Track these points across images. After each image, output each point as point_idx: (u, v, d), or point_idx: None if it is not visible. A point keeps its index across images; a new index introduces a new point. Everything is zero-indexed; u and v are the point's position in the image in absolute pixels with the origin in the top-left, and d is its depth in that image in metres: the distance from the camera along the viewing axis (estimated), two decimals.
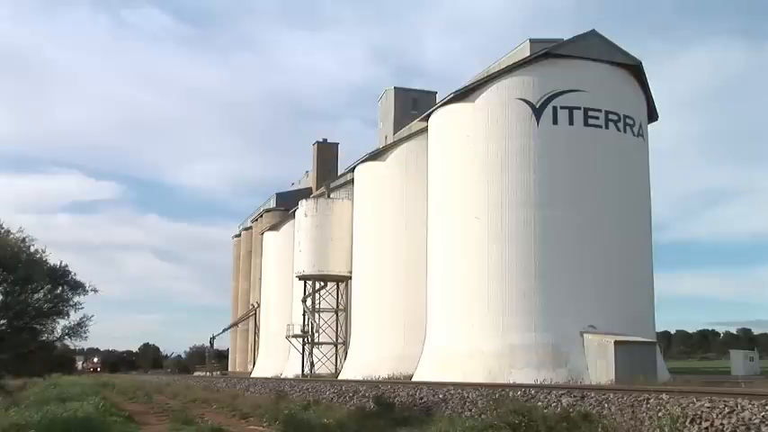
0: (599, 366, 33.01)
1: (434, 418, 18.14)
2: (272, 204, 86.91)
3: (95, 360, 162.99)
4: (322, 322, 56.22)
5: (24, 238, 20.30)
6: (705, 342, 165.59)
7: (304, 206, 56.96)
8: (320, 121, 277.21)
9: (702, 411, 13.05)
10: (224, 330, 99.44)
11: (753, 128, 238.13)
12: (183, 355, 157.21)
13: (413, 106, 59.35)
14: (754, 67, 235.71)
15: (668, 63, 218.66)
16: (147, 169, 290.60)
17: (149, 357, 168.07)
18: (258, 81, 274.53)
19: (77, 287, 21.51)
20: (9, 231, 20.11)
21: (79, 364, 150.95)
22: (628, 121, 39.03)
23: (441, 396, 21.61)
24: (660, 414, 13.81)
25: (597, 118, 37.97)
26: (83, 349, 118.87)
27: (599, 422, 14.64)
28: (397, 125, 59.31)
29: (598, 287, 36.22)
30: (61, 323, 21.41)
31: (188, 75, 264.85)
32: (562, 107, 37.65)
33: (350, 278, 53.81)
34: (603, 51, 39.08)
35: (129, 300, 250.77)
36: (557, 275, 36.12)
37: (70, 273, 21.63)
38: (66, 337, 21.65)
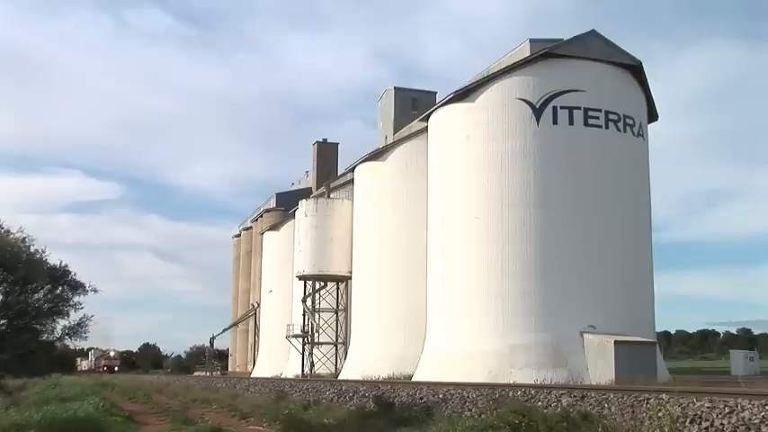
0: (599, 366, 33.02)
1: (434, 418, 18.11)
2: (272, 204, 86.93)
3: (111, 354, 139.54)
4: (322, 322, 56.20)
5: (24, 238, 20.26)
6: (705, 342, 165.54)
7: (304, 206, 56.94)
8: (320, 121, 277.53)
9: (702, 411, 13.04)
10: (224, 330, 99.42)
11: (753, 128, 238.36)
12: (183, 355, 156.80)
13: (413, 106, 59.32)
14: (753, 68, 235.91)
15: (668, 63, 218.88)
16: (148, 169, 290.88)
17: (149, 357, 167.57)
18: (259, 81, 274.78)
19: (77, 287, 21.48)
20: (9, 231, 20.08)
21: (90, 361, 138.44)
22: (628, 121, 39.04)
23: (441, 396, 21.60)
24: (660, 414, 13.80)
25: (597, 118, 37.99)
26: (82, 349, 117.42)
27: (599, 422, 14.62)
28: (397, 125, 59.29)
29: (598, 287, 36.23)
30: (61, 323, 21.40)
31: (189, 75, 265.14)
32: (562, 107, 37.66)
33: (350, 278, 53.79)
34: (603, 51, 39.10)
35: (129, 300, 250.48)
36: (557, 275, 36.13)
37: (70, 273, 21.62)
38: (66, 337, 21.63)
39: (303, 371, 55.48)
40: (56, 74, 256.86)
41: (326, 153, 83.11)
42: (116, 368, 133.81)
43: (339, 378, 45.20)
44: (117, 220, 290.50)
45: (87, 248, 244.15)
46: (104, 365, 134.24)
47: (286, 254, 64.94)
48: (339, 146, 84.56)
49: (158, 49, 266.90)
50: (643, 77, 40.93)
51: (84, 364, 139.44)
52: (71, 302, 21.31)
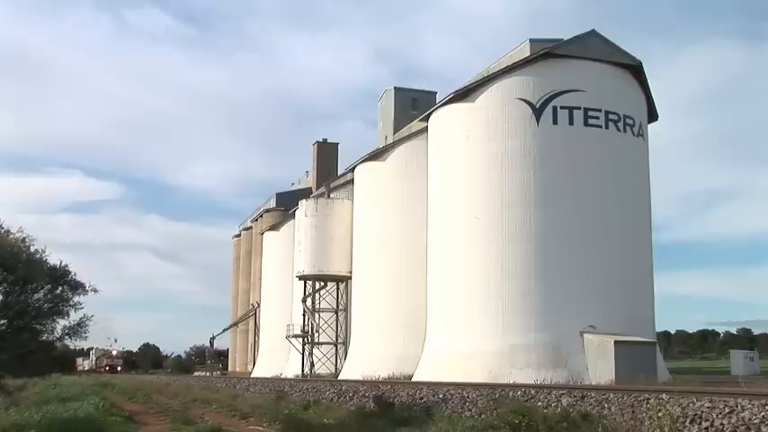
0: (599, 366, 33.02)
1: (434, 418, 18.11)
2: (272, 204, 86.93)
3: (114, 353, 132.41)
4: (322, 322, 56.20)
5: (24, 238, 20.22)
6: (705, 342, 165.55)
7: (304, 206, 56.94)
8: (320, 121, 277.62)
9: (702, 411, 13.03)
10: (224, 330, 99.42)
11: (753, 128, 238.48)
12: (182, 356, 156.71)
13: (413, 106, 59.32)
14: (753, 68, 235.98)
15: (668, 63, 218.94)
16: (148, 169, 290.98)
17: (149, 357, 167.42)
18: (259, 81, 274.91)
19: (77, 287, 21.44)
20: (9, 231, 20.05)
21: (91, 360, 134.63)
22: (628, 121, 39.04)
23: (441, 396, 21.59)
24: (660, 414, 13.79)
25: (597, 118, 37.99)
26: (82, 349, 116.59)
27: (599, 422, 14.62)
28: (397, 125, 59.29)
29: (598, 287, 36.23)
30: (61, 323, 21.38)
31: (189, 75, 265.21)
32: (562, 107, 37.66)
33: (350, 278, 53.79)
34: (603, 51, 39.10)
35: (129, 300, 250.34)
36: (557, 275, 36.13)
37: (70, 273, 21.58)
38: (66, 337, 21.62)
39: (303, 371, 55.48)
40: (56, 74, 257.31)
41: (326, 153, 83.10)
42: (119, 368, 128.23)
43: (339, 378, 45.19)
44: (117, 220, 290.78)
45: (87, 248, 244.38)
46: (107, 365, 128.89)
47: (286, 254, 64.94)
48: (339, 146, 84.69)
49: (158, 50, 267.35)
50: (643, 77, 40.92)
51: (85, 364, 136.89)
52: (71, 302, 21.29)
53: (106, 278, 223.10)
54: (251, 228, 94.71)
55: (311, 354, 55.94)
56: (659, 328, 57.31)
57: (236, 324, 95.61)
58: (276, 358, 66.83)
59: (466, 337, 37.23)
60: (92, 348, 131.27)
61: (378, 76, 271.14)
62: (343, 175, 63.18)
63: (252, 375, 67.68)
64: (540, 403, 17.45)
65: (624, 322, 35.16)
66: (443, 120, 41.81)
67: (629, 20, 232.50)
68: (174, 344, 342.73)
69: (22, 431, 16.66)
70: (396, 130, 59.01)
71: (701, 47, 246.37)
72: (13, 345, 20.30)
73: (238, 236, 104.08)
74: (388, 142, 55.63)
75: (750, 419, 12.18)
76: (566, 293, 35.90)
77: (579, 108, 37.74)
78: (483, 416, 17.80)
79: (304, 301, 56.66)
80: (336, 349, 56.06)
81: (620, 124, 38.68)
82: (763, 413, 12.13)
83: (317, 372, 54.47)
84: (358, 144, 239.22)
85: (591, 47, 38.86)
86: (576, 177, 37.31)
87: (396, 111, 60.96)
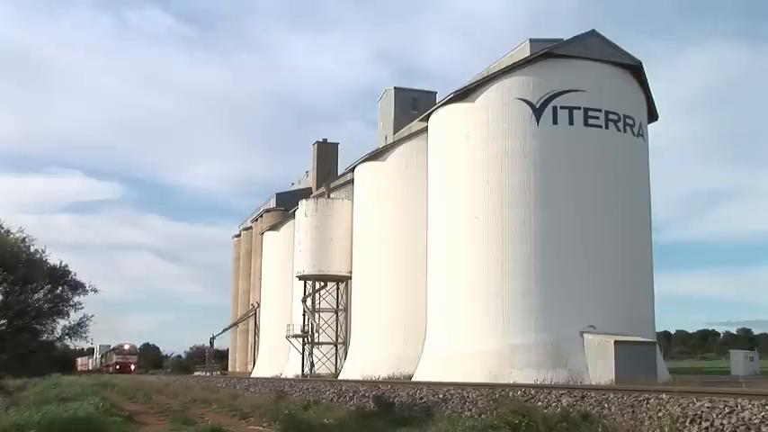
0: (599, 366, 33.02)
1: (434, 418, 18.11)
2: (272, 204, 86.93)
3: (126, 348, 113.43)
4: (322, 322, 56.21)
5: (24, 238, 20.24)
6: (705, 342, 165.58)
7: (304, 206, 56.94)
8: (321, 122, 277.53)
9: (702, 411, 13.04)
10: (224, 330, 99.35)
11: (753, 128, 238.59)
12: (182, 356, 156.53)
13: (413, 106, 59.32)
14: (754, 69, 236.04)
15: (669, 64, 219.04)
16: (148, 169, 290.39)
17: (149, 357, 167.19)
18: (259, 81, 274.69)
19: (77, 287, 21.46)
20: (9, 231, 20.06)
21: (95, 359, 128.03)
22: (628, 121, 39.05)
23: (441, 396, 21.60)
24: (660, 414, 13.80)
25: (597, 118, 38.00)
26: (82, 349, 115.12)
27: (599, 422, 14.62)
28: (397, 125, 59.30)
29: (598, 287, 36.23)
30: (61, 323, 21.38)
31: (190, 75, 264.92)
32: (562, 107, 37.67)
33: (350, 278, 53.79)
34: (603, 51, 39.11)
35: (129, 300, 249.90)
36: (557, 275, 36.14)
37: (70, 273, 21.59)
38: (66, 337, 21.62)
39: (303, 371, 55.47)
40: (56, 74, 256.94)
41: (326, 153, 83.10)
42: (132, 366, 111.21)
43: (339, 378, 45.18)
44: (117, 220, 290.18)
45: (87, 248, 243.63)
46: (116, 363, 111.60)
47: (286, 254, 64.94)
48: (339, 146, 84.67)
49: (159, 50, 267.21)
50: (643, 77, 40.93)
51: (89, 363, 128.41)
52: (71, 302, 21.30)
53: (106, 278, 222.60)
54: (251, 228, 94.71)
55: (311, 354, 55.94)
56: (659, 328, 57.35)
57: (236, 324, 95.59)
58: (276, 358, 66.83)
59: (466, 337, 37.23)
60: (93, 347, 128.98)
61: (378, 77, 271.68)
62: (343, 175, 63.18)
63: (252, 375, 67.68)
64: (540, 403, 17.46)
65: (624, 322, 35.16)
66: (443, 120, 41.82)
67: (629, 20, 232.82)
68: (174, 344, 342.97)
69: (22, 431, 16.66)
70: (396, 130, 59.01)
71: (701, 47, 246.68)
72: (13, 345, 20.31)
73: (238, 236, 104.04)
74: (388, 142, 55.64)
75: (750, 419, 12.18)
76: (566, 293, 35.90)
77: (579, 108, 37.74)
78: (483, 416, 17.80)
79: (304, 301, 56.66)
80: (336, 349, 56.05)
81: (620, 124, 38.69)
82: (763, 413, 12.14)
83: (317, 372, 54.47)
84: (358, 144, 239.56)
85: (591, 47, 38.87)
86: (576, 177, 37.31)
87: (396, 111, 60.97)
